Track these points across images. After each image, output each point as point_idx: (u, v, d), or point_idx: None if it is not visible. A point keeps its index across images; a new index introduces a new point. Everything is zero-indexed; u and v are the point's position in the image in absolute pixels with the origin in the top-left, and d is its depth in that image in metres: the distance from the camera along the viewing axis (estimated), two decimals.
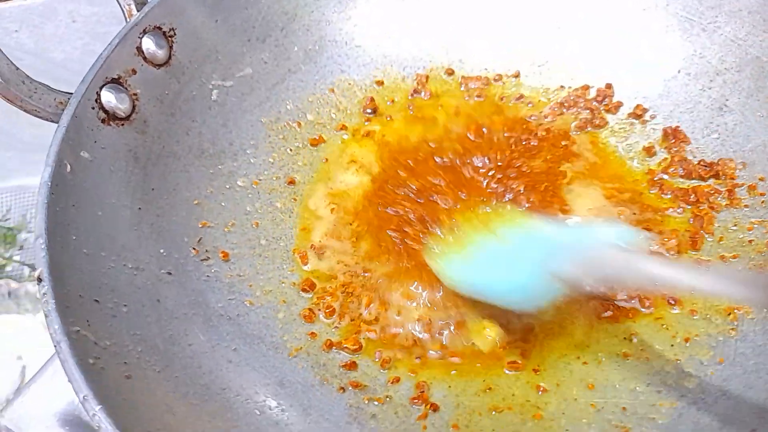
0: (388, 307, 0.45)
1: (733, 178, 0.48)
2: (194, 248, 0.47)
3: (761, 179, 0.48)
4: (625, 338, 0.42)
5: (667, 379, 0.40)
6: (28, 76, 0.45)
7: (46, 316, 0.34)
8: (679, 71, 0.54)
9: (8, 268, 0.90)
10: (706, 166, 0.49)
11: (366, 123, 0.57)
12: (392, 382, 0.42)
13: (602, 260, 0.36)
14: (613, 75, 0.56)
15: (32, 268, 0.86)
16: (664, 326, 0.43)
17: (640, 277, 0.35)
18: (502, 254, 0.42)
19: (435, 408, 0.41)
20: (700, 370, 0.40)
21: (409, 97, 0.58)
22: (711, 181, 0.49)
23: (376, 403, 0.41)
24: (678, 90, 0.53)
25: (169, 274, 0.44)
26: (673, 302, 0.43)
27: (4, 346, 0.77)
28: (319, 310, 0.45)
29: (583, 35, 0.57)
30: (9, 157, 0.91)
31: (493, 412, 0.40)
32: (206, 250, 0.48)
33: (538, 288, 0.39)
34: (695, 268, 0.41)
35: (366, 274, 0.47)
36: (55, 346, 0.33)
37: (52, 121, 0.45)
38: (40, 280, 0.36)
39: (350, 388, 0.42)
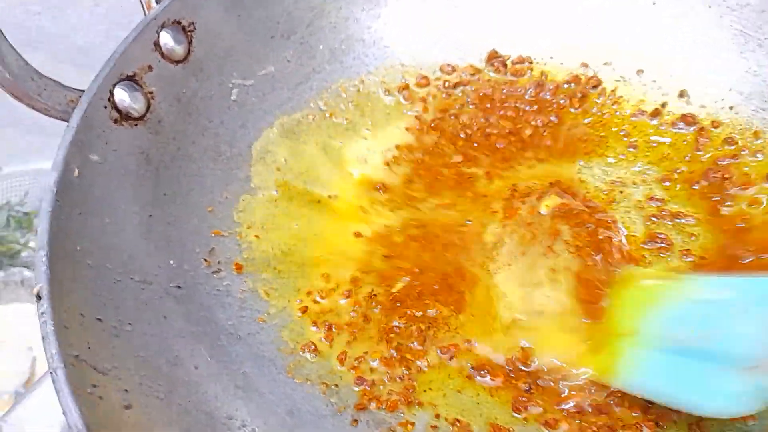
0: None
1: None
2: (206, 259, 0.45)
3: None
4: None
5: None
6: (37, 72, 0.42)
7: (43, 338, 0.32)
8: (730, 90, 0.50)
9: (23, 254, 0.88)
10: None
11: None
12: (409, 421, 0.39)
13: None
14: (660, 93, 0.52)
15: None
16: None
17: None
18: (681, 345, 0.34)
19: None
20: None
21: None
22: None
23: None
24: (728, 111, 0.50)
25: (179, 287, 0.42)
26: None
27: (16, 336, 0.76)
28: (332, 333, 0.43)
29: (627, 44, 0.54)
30: (30, 141, 0.90)
31: None
32: (218, 262, 0.45)
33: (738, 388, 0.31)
34: None
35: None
36: (51, 373, 0.31)
37: (63, 120, 0.43)
38: (39, 297, 0.34)
39: (364, 420, 0.39)
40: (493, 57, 0.56)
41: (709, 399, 0.32)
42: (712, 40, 0.51)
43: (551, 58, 0.56)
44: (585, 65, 0.54)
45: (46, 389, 0.50)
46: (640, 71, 0.53)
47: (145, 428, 0.33)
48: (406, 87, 0.55)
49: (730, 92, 0.50)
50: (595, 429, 0.37)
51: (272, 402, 0.39)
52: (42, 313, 0.33)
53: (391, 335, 0.42)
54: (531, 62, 0.56)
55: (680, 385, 0.34)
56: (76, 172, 0.40)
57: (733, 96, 0.50)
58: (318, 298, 0.45)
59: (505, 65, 0.56)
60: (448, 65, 0.56)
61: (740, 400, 0.31)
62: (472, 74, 0.56)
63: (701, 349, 0.33)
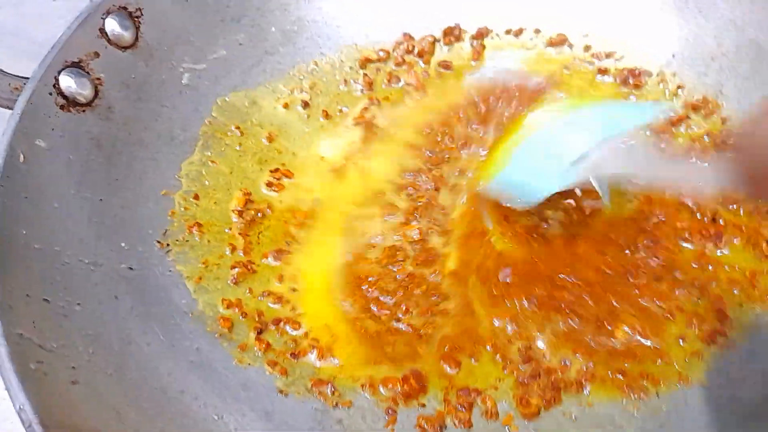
0: None
1: None
2: (159, 241, 0.45)
3: None
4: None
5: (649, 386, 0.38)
6: None
7: None
8: (673, 56, 0.51)
9: None
10: None
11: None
12: (362, 387, 0.40)
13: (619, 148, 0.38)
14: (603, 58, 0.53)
15: None
16: None
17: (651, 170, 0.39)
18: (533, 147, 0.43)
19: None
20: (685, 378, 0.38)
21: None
22: None
23: (342, 407, 0.39)
24: (672, 76, 0.51)
25: (131, 269, 0.42)
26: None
27: None
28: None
29: (569, 10, 0.54)
30: None
31: None
32: (171, 243, 0.45)
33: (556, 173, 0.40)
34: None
35: None
36: None
37: (7, 108, 0.43)
38: None
39: (316, 391, 0.40)
40: (448, 32, 0.57)
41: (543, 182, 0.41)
42: (653, 7, 0.52)
43: (506, 31, 0.56)
44: (537, 31, 0.55)
45: None
46: (587, 46, 0.54)
47: (93, 403, 0.33)
48: (363, 65, 0.56)
49: (673, 57, 0.51)
50: (540, 392, 0.38)
51: (226, 377, 0.40)
52: None
53: None
54: (485, 35, 0.56)
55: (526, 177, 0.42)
56: (22, 157, 0.40)
57: (676, 61, 0.51)
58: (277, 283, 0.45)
59: (460, 40, 0.57)
60: (400, 43, 0.57)
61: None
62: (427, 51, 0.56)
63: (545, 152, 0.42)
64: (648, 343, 0.39)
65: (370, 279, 0.44)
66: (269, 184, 0.50)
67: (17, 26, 0.81)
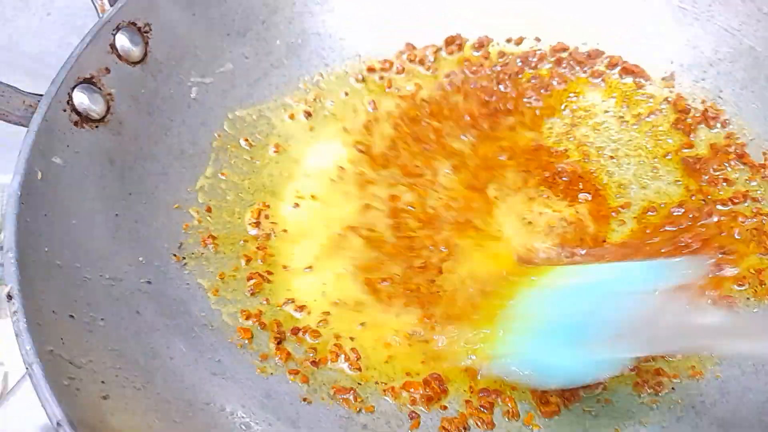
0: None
1: None
2: (175, 255, 0.46)
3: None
4: None
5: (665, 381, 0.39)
6: None
7: (17, 335, 0.33)
8: (671, 62, 0.53)
9: None
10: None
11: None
12: (384, 392, 0.41)
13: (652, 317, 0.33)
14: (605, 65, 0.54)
15: None
16: None
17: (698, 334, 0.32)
18: (551, 329, 0.37)
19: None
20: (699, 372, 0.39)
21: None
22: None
23: (366, 412, 0.40)
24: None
25: (149, 283, 0.43)
26: None
27: None
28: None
29: (568, 19, 0.56)
30: None
31: None
32: (187, 256, 0.46)
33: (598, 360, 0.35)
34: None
35: None
36: (27, 368, 0.32)
37: (22, 125, 0.43)
38: (10, 297, 0.34)
39: (338, 398, 0.40)
40: (450, 42, 0.58)
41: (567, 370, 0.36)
42: (653, 14, 0.54)
43: (506, 40, 0.58)
44: (538, 40, 0.57)
45: (16, 401, 0.50)
46: (587, 54, 0.55)
47: (124, 417, 0.34)
48: (367, 75, 0.57)
49: (672, 64, 0.53)
50: (558, 391, 0.39)
51: (249, 386, 0.40)
52: (14, 312, 0.33)
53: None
54: (486, 44, 0.57)
55: (546, 360, 0.37)
56: (39, 175, 0.40)
57: (674, 68, 0.53)
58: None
59: (461, 48, 0.58)
60: (403, 53, 0.58)
61: (596, 367, 0.35)
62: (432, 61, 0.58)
63: (568, 327, 0.36)
64: None
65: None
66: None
67: (10, 40, 0.81)
